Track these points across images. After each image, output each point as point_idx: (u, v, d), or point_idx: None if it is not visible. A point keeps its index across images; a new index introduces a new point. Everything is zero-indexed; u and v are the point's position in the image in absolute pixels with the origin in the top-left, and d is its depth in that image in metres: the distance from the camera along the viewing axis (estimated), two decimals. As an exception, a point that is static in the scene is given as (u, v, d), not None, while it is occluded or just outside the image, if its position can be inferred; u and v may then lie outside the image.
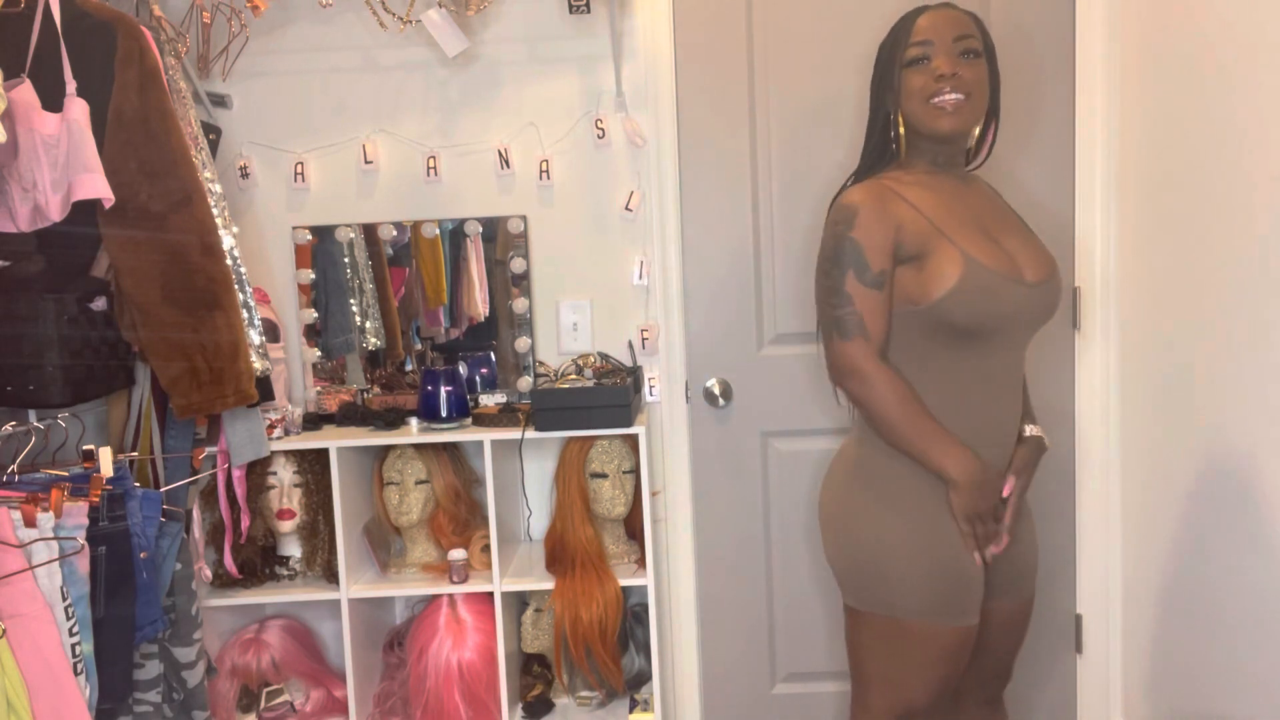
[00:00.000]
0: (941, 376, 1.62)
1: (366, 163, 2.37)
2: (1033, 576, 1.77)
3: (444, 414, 2.17)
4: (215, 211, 1.90)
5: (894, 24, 1.71)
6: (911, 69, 1.65)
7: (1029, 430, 1.70)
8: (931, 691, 1.67)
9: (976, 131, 1.71)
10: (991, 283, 1.56)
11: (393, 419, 2.25)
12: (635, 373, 2.31)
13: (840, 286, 1.60)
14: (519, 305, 2.38)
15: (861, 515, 1.67)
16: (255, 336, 1.98)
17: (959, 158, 1.72)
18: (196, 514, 2.11)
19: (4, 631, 1.41)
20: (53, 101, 1.62)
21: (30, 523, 1.48)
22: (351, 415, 2.29)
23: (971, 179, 1.75)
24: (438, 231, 2.37)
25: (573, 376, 2.24)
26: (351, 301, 2.40)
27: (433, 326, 2.41)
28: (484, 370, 2.41)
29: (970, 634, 1.65)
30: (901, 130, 1.70)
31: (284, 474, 2.22)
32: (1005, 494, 1.64)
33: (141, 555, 1.68)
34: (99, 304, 1.77)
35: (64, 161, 1.61)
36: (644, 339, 2.39)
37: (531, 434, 2.13)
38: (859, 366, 1.60)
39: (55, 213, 1.63)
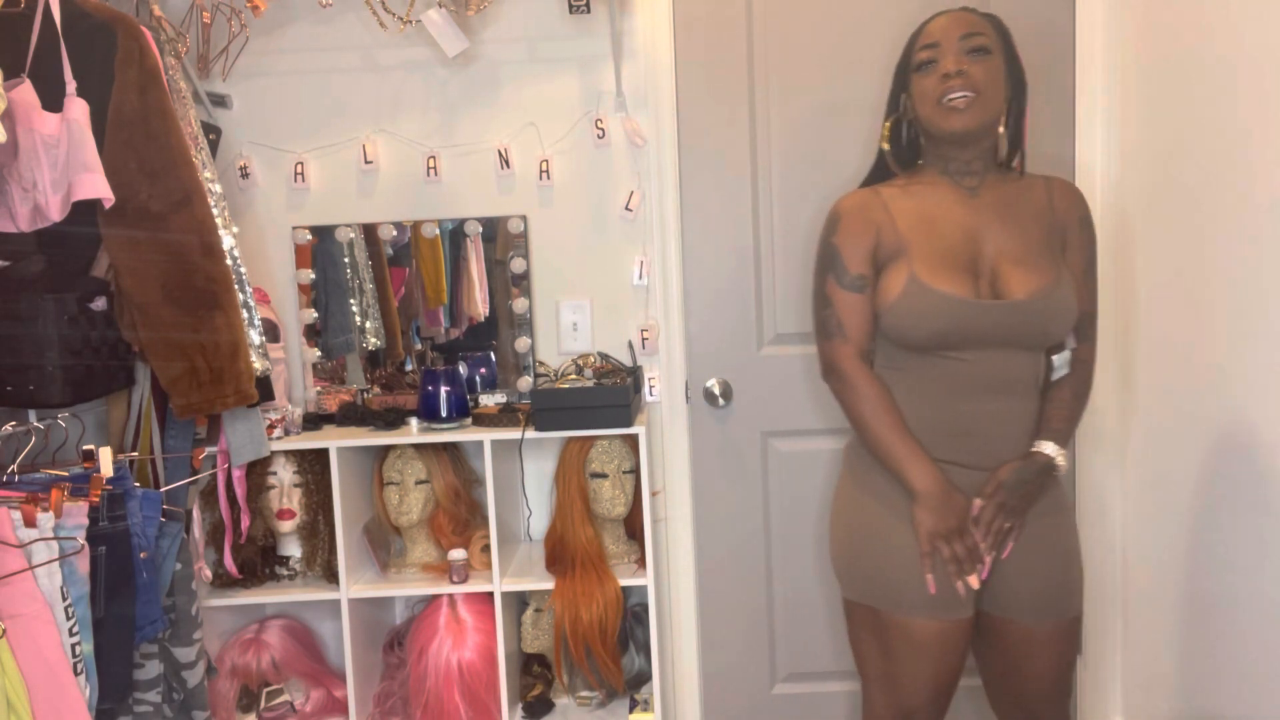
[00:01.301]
0: (912, 384, 1.66)
1: (366, 163, 2.37)
2: (1070, 597, 1.69)
3: (444, 414, 2.17)
4: (215, 211, 1.90)
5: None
6: (921, 73, 1.67)
7: (1040, 447, 1.64)
8: (924, 688, 1.65)
9: (1001, 130, 1.69)
10: (931, 302, 1.59)
11: (393, 419, 2.25)
12: (635, 373, 2.31)
13: (823, 289, 1.69)
14: (519, 305, 2.39)
15: (851, 507, 1.72)
16: (255, 336, 1.98)
17: (975, 163, 1.69)
18: (196, 514, 2.11)
19: (4, 631, 1.41)
20: (53, 101, 1.62)
21: (30, 523, 1.48)
22: (351, 415, 2.30)
23: (990, 189, 1.70)
24: (438, 231, 2.37)
25: (573, 376, 2.24)
26: (351, 301, 2.40)
27: (433, 326, 2.41)
28: (484, 370, 2.41)
29: (960, 628, 1.64)
30: (885, 144, 1.74)
31: (284, 474, 2.22)
32: (974, 513, 1.61)
33: (141, 555, 1.68)
34: (99, 304, 1.77)
35: (64, 161, 1.61)
36: (644, 339, 2.39)
37: (531, 434, 2.13)
38: (837, 365, 1.68)
39: (55, 213, 1.63)
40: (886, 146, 1.75)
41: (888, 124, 1.76)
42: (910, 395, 1.66)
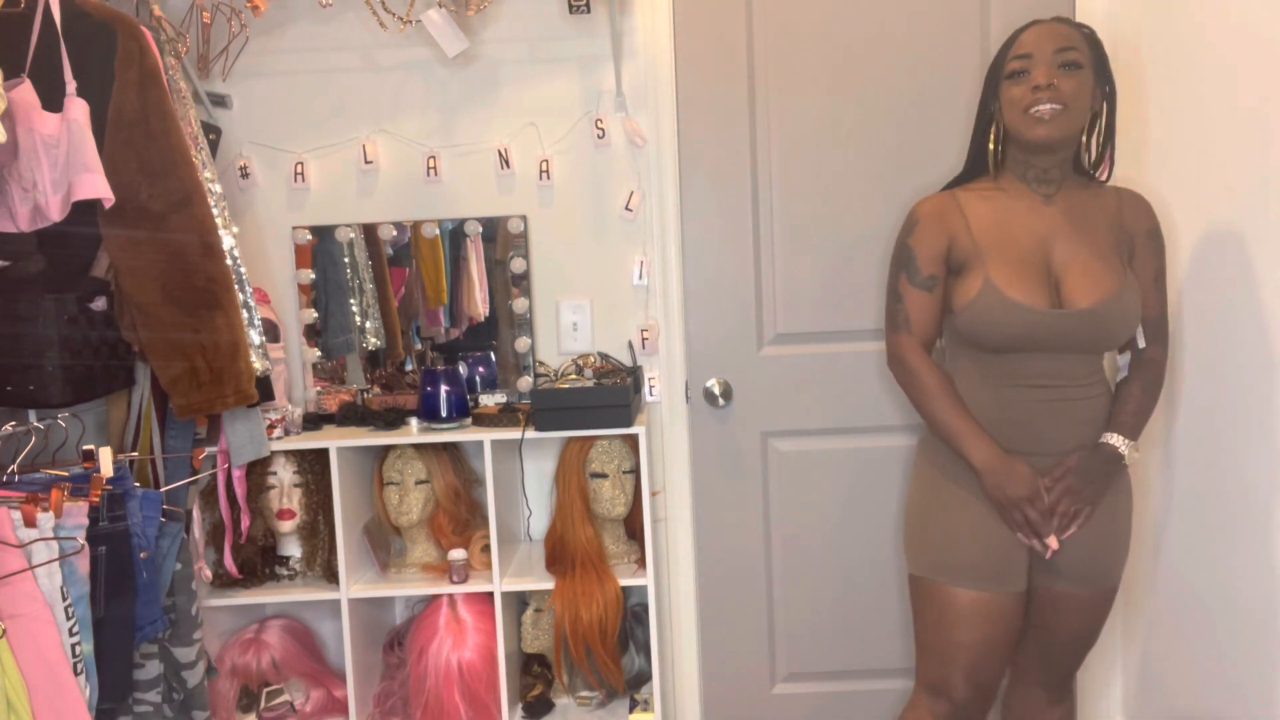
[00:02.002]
0: (980, 374, 1.78)
1: (366, 163, 2.37)
2: (1113, 568, 1.80)
3: (444, 414, 2.17)
4: (215, 211, 1.90)
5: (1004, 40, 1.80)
6: (1011, 81, 1.74)
7: (1108, 438, 1.75)
8: (969, 656, 1.75)
9: (1084, 140, 1.79)
10: (1006, 309, 1.70)
11: (393, 419, 2.25)
12: (635, 373, 2.31)
13: (896, 285, 1.82)
14: (519, 305, 2.39)
15: (919, 486, 1.86)
16: (255, 336, 1.98)
17: (1053, 171, 1.76)
18: (196, 514, 2.11)
19: (4, 631, 1.41)
20: (53, 101, 1.62)
21: (30, 523, 1.48)
22: (351, 415, 2.30)
23: (1064, 197, 1.78)
24: (438, 231, 2.37)
25: (573, 376, 2.24)
26: (351, 301, 2.40)
27: (433, 326, 2.41)
28: (484, 370, 2.41)
29: (1013, 601, 1.75)
30: (991, 144, 1.81)
31: (284, 474, 2.22)
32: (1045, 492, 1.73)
33: (141, 555, 1.68)
34: (99, 304, 1.77)
35: (64, 161, 1.61)
36: (644, 339, 2.39)
37: (531, 434, 2.13)
38: (903, 356, 1.81)
39: (55, 213, 1.63)
40: (992, 146, 1.82)
41: (992, 130, 1.82)
42: (976, 385, 1.78)
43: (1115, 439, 1.74)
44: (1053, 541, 1.70)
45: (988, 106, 1.81)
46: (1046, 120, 1.68)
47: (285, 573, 2.27)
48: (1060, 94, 1.68)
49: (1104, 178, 1.83)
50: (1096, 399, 1.76)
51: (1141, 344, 1.80)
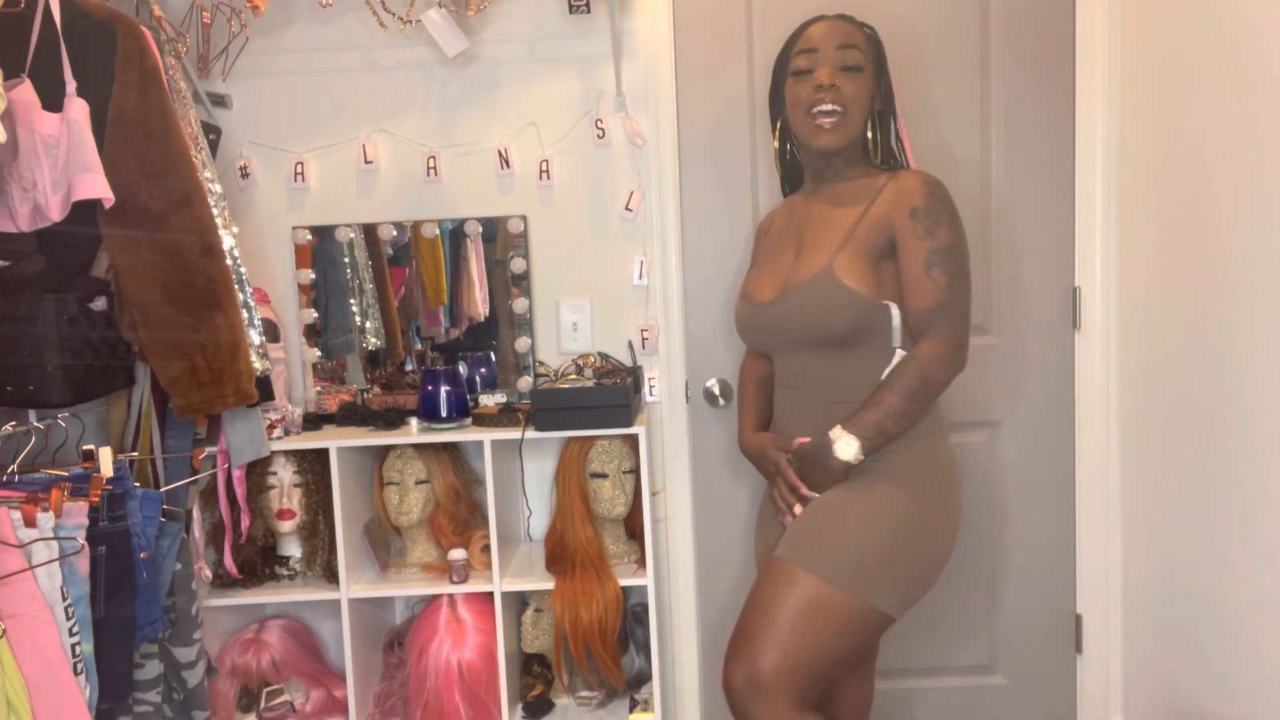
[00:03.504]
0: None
1: (366, 163, 2.37)
2: (810, 549, 1.65)
3: (444, 414, 2.17)
4: (215, 211, 1.90)
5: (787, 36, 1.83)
6: (796, 80, 1.77)
7: (831, 433, 1.68)
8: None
9: (870, 136, 1.80)
10: (738, 304, 1.86)
11: (393, 419, 2.25)
12: (635, 373, 2.31)
13: None
14: (519, 305, 2.38)
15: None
16: (255, 336, 1.98)
17: (828, 172, 1.80)
18: (196, 514, 2.11)
19: (4, 631, 1.41)
20: (53, 101, 1.62)
21: (30, 523, 1.48)
22: (351, 415, 2.29)
23: (831, 190, 1.79)
24: (438, 231, 2.37)
25: (573, 376, 2.24)
26: (351, 301, 2.40)
27: (433, 326, 2.41)
28: (484, 370, 2.41)
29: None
30: (775, 143, 1.89)
31: (284, 474, 2.22)
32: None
33: (141, 555, 1.68)
34: (99, 304, 1.77)
35: (64, 161, 1.61)
36: (644, 339, 2.39)
37: (531, 434, 2.13)
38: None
39: (55, 213, 1.63)
40: (775, 145, 1.89)
41: (777, 125, 1.87)
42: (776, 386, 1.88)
43: (836, 432, 1.67)
44: (785, 519, 1.75)
45: (776, 102, 1.85)
46: (828, 130, 1.72)
47: (285, 573, 2.27)
48: (842, 96, 1.71)
49: (897, 166, 1.83)
50: (849, 404, 1.70)
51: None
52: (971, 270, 1.78)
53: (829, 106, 1.70)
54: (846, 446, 1.66)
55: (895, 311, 1.69)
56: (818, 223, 1.77)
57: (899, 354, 1.70)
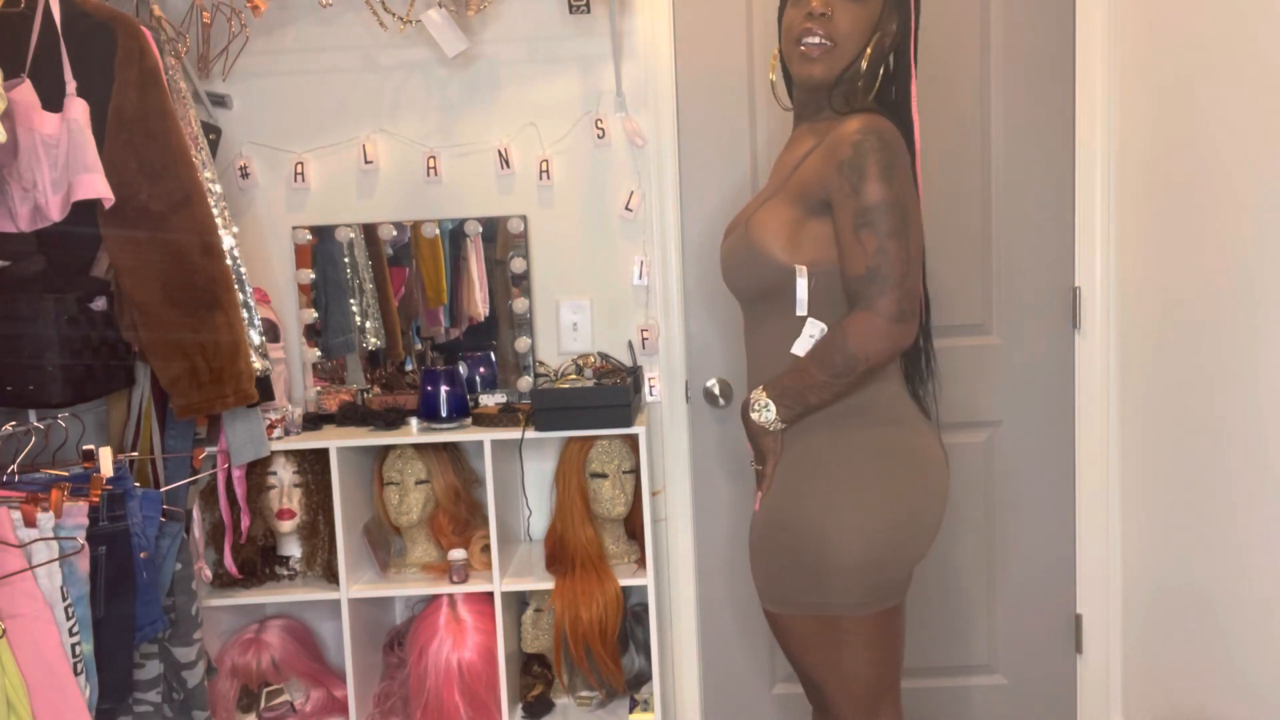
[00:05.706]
0: None
1: (366, 163, 2.37)
2: (764, 581, 1.63)
3: (444, 414, 2.17)
4: (215, 211, 1.90)
5: None
6: (793, 5, 1.59)
7: (753, 394, 1.60)
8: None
9: (864, 68, 1.57)
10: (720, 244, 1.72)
11: (393, 419, 2.25)
12: (635, 373, 2.31)
13: None
14: (519, 305, 2.39)
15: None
16: (255, 336, 1.98)
17: (809, 107, 1.64)
18: (196, 514, 2.11)
19: (4, 631, 1.41)
20: (53, 101, 1.62)
21: (30, 523, 1.48)
22: (351, 415, 2.29)
23: (801, 134, 1.64)
24: (438, 231, 2.37)
25: (573, 376, 2.24)
26: (351, 301, 2.40)
27: (433, 326, 2.41)
28: (484, 370, 2.41)
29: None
30: (771, 75, 1.73)
31: (284, 474, 2.22)
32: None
33: (141, 555, 1.68)
34: (99, 304, 1.77)
35: (64, 161, 1.61)
36: (644, 339, 2.39)
37: (531, 434, 2.13)
38: None
39: (55, 213, 1.63)
40: (773, 78, 1.74)
41: (774, 55, 1.69)
42: None
43: (756, 393, 1.57)
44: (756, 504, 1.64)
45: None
46: (811, 60, 1.54)
47: (285, 573, 2.27)
48: (833, 27, 1.52)
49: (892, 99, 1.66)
50: (768, 369, 1.59)
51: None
52: (921, 227, 1.55)
53: (815, 38, 1.53)
54: (762, 410, 1.56)
55: (803, 278, 1.53)
56: (776, 167, 1.69)
57: (811, 323, 1.55)
